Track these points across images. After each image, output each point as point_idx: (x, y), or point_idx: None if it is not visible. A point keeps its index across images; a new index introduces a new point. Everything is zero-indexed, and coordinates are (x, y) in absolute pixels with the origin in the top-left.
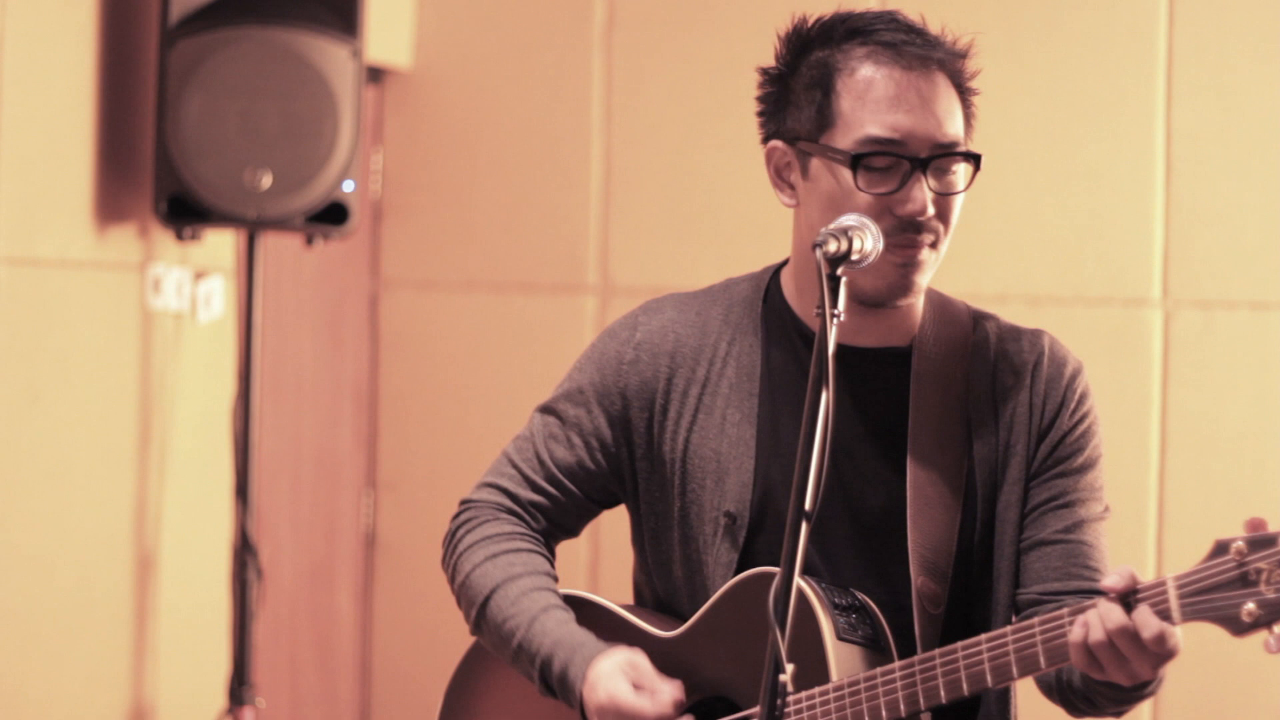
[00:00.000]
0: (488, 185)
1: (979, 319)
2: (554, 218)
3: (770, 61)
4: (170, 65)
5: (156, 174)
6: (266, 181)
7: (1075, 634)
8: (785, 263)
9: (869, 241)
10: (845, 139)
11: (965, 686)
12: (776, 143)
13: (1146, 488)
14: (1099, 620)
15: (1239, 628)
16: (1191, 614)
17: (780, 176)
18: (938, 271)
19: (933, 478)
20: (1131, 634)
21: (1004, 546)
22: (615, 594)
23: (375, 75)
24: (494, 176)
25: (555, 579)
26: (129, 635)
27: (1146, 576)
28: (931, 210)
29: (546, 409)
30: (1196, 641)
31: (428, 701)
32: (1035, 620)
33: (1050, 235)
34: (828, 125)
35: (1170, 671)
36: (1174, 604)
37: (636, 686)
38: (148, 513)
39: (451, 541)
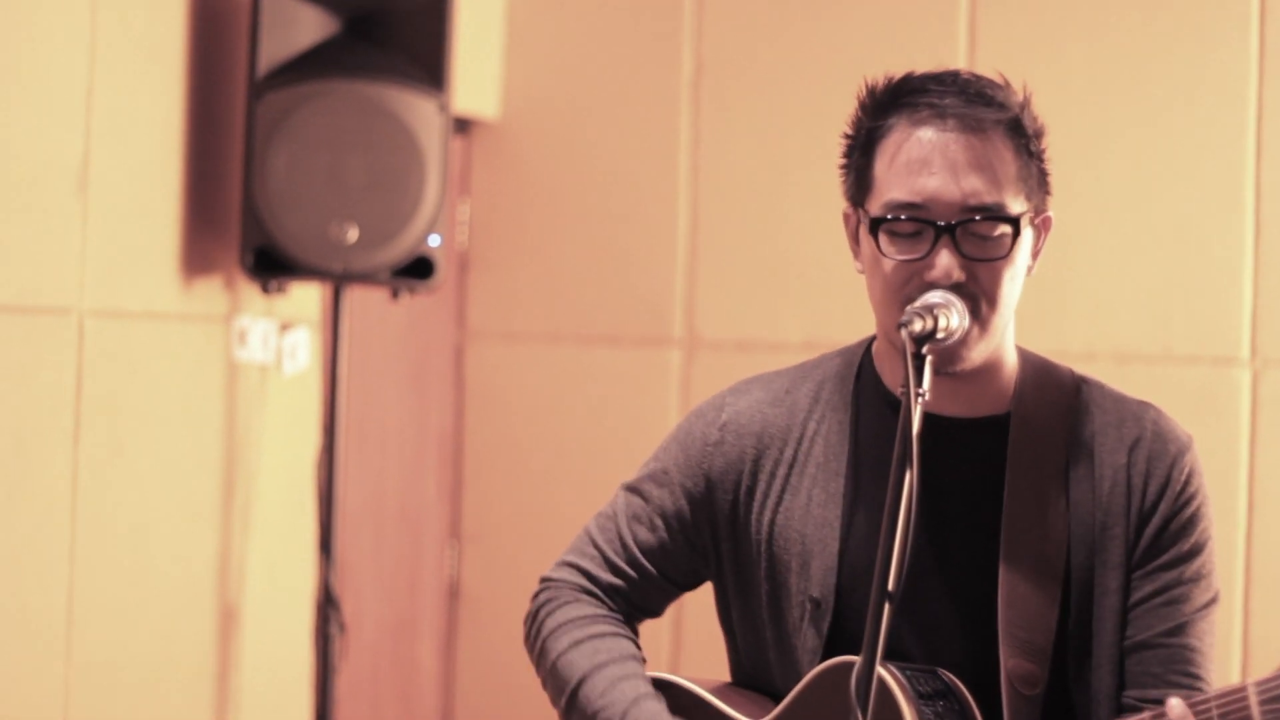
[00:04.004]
0: (574, 237)
1: (1082, 384)
2: (640, 270)
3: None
4: (258, 118)
5: (243, 227)
6: (353, 235)
7: None
8: None
9: (954, 319)
10: (875, 204)
11: None
12: (846, 207)
13: (1234, 550)
14: None
15: None
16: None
17: (854, 241)
18: (1028, 331)
19: (1028, 554)
20: None
21: (1103, 634)
22: (699, 670)
23: (462, 126)
24: (580, 228)
25: (643, 661)
26: (212, 688)
27: (1233, 640)
28: (960, 275)
29: (631, 488)
30: None
31: None
32: None
33: (1138, 293)
34: (866, 190)
35: None
36: (1255, 710)
37: None
38: (231, 565)
39: (534, 623)
